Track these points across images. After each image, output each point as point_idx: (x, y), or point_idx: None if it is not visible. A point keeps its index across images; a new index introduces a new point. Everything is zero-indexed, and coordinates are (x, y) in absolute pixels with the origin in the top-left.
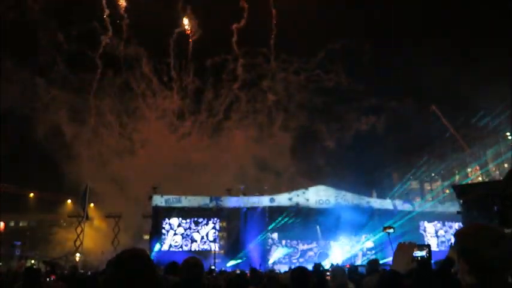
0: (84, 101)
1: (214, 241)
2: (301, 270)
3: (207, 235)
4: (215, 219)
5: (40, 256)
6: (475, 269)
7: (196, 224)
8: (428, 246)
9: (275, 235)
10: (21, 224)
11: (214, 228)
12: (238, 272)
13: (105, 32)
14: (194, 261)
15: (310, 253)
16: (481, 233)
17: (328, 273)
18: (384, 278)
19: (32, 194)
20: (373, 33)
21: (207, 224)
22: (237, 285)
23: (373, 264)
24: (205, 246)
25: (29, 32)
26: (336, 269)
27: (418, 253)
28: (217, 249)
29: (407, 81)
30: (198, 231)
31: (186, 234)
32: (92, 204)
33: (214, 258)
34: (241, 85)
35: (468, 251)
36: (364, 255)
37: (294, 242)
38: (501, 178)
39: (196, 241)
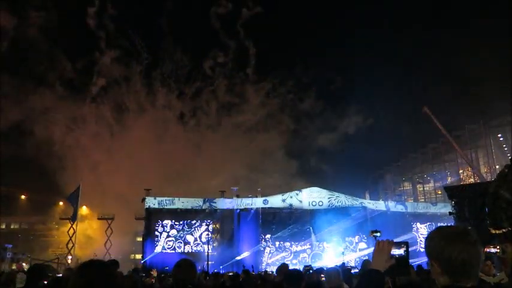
0: (79, 108)
1: (207, 243)
2: (294, 271)
3: (200, 237)
4: (208, 221)
5: (32, 259)
6: (446, 269)
7: (190, 226)
8: (407, 243)
9: (268, 236)
10: (12, 227)
11: (207, 230)
12: (231, 274)
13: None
14: (187, 263)
15: (304, 254)
16: (445, 233)
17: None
18: (364, 276)
19: (23, 196)
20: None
21: (200, 225)
22: (230, 286)
23: (367, 265)
24: (199, 248)
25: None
26: (330, 270)
27: (397, 251)
28: (210, 251)
29: (400, 84)
30: (191, 233)
31: (179, 236)
32: (84, 207)
33: (208, 260)
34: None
35: (436, 252)
36: (356, 256)
37: (287, 243)
38: (492, 179)
39: (189, 243)
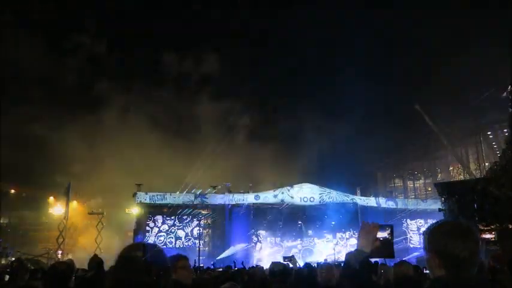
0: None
1: (198, 238)
2: (281, 265)
3: (191, 232)
4: (200, 216)
5: (21, 254)
6: (444, 262)
7: (181, 221)
8: (391, 226)
9: (260, 232)
10: (1, 221)
11: (198, 225)
12: (220, 269)
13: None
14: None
15: (295, 250)
16: (449, 229)
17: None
18: (351, 257)
19: (12, 191)
20: None
21: (191, 221)
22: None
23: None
24: (190, 243)
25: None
26: (325, 265)
27: (381, 233)
28: (201, 246)
29: (391, 81)
30: (182, 229)
31: (171, 231)
32: (74, 202)
33: (199, 255)
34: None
35: (438, 247)
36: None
37: (279, 239)
38: (481, 176)
39: (180, 238)
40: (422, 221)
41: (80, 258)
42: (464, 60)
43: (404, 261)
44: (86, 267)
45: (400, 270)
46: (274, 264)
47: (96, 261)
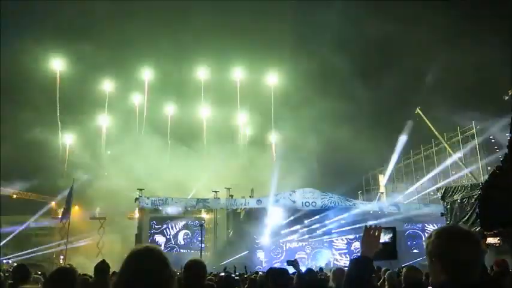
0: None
1: (200, 243)
2: (278, 270)
3: (193, 237)
4: (202, 220)
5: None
6: (446, 267)
7: (183, 225)
8: (394, 228)
9: (261, 237)
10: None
11: (200, 229)
12: (222, 274)
13: None
14: (196, 263)
15: (297, 255)
16: (450, 233)
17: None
18: (355, 262)
19: (14, 196)
20: None
21: (193, 225)
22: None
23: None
24: (192, 248)
25: None
26: (337, 269)
27: (384, 236)
28: (203, 251)
29: (393, 85)
30: (184, 233)
31: (172, 236)
32: (76, 207)
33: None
34: None
35: (440, 252)
36: (351, 256)
37: (281, 243)
38: (484, 181)
39: (182, 243)
40: (425, 225)
41: (82, 263)
42: (466, 65)
43: (414, 266)
44: (87, 272)
45: (409, 274)
46: (273, 269)
47: (102, 267)
